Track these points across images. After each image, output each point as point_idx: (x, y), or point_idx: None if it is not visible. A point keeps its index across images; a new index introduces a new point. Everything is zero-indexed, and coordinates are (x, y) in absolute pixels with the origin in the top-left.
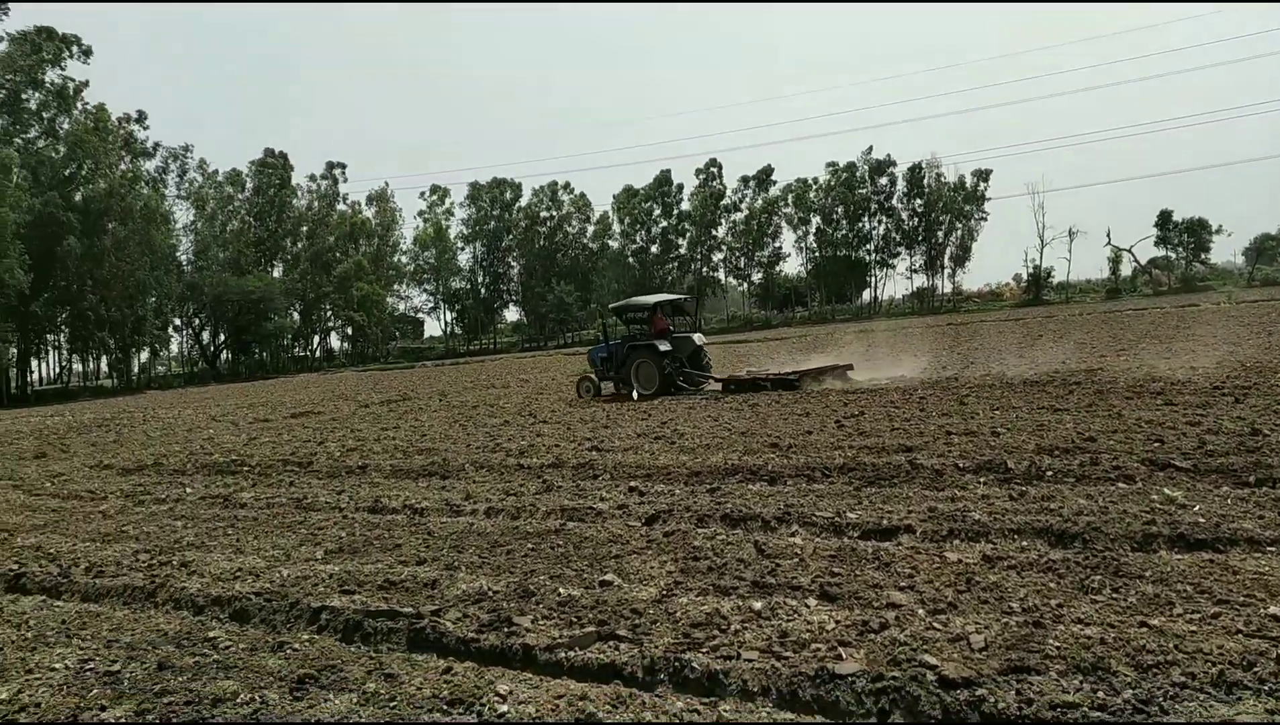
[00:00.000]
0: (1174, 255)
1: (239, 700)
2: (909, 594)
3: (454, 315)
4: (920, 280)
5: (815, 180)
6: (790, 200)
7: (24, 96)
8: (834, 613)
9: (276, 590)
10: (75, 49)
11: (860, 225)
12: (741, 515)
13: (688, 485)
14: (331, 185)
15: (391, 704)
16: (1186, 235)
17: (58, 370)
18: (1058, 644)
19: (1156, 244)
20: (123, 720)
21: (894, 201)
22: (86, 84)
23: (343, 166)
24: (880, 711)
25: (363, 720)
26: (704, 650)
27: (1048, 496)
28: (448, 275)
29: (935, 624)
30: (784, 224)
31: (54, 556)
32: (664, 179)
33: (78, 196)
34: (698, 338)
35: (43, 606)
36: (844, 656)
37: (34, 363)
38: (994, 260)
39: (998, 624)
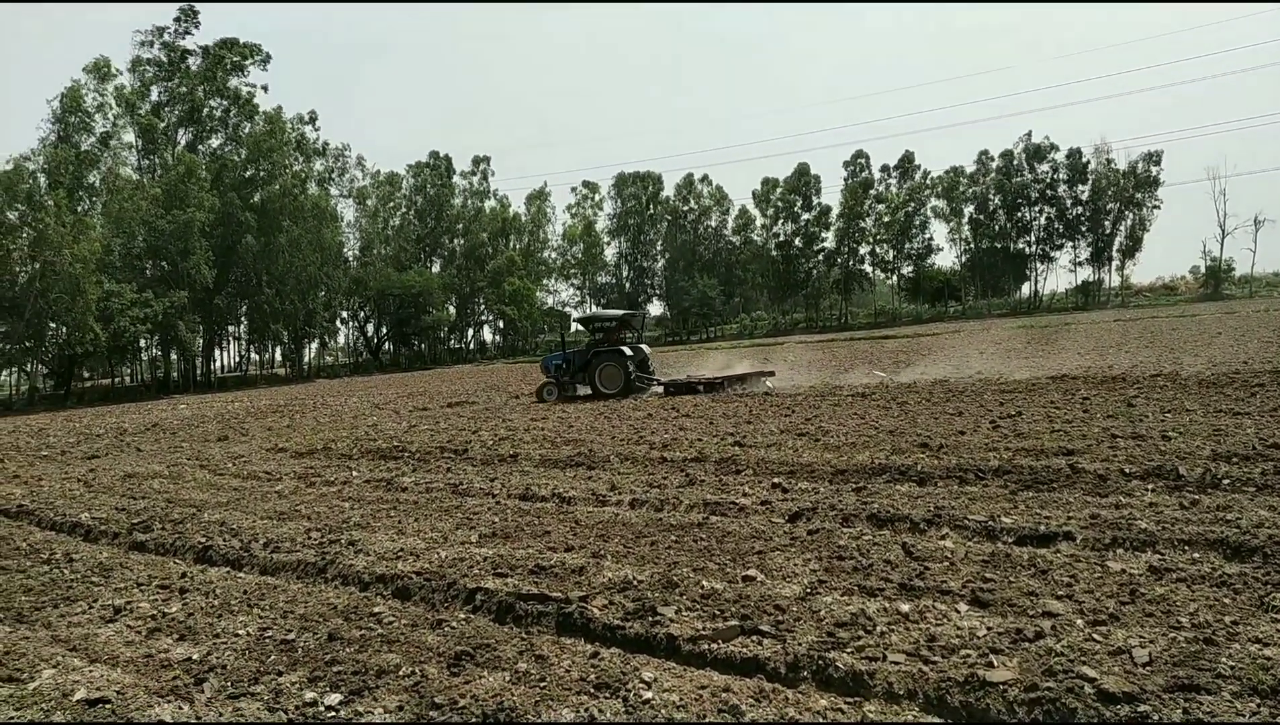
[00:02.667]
0: None
1: (401, 673)
2: (1067, 603)
3: (600, 309)
4: (1085, 273)
5: (962, 170)
6: (940, 190)
7: (211, 105)
8: (986, 619)
9: (435, 570)
10: (256, 57)
11: (1020, 215)
12: (889, 516)
13: (832, 483)
14: (480, 180)
15: (542, 684)
16: None
17: (237, 359)
18: (1232, 663)
19: None
20: (297, 685)
21: (1057, 189)
22: (266, 89)
23: (488, 160)
24: (1034, 722)
25: (516, 698)
26: (848, 650)
27: (1223, 506)
28: (594, 270)
29: (1095, 635)
30: (931, 215)
31: (236, 532)
32: (803, 170)
33: (255, 197)
34: (645, 348)
35: (227, 577)
36: (995, 664)
37: (216, 352)
38: (1167, 252)
39: (1164, 639)
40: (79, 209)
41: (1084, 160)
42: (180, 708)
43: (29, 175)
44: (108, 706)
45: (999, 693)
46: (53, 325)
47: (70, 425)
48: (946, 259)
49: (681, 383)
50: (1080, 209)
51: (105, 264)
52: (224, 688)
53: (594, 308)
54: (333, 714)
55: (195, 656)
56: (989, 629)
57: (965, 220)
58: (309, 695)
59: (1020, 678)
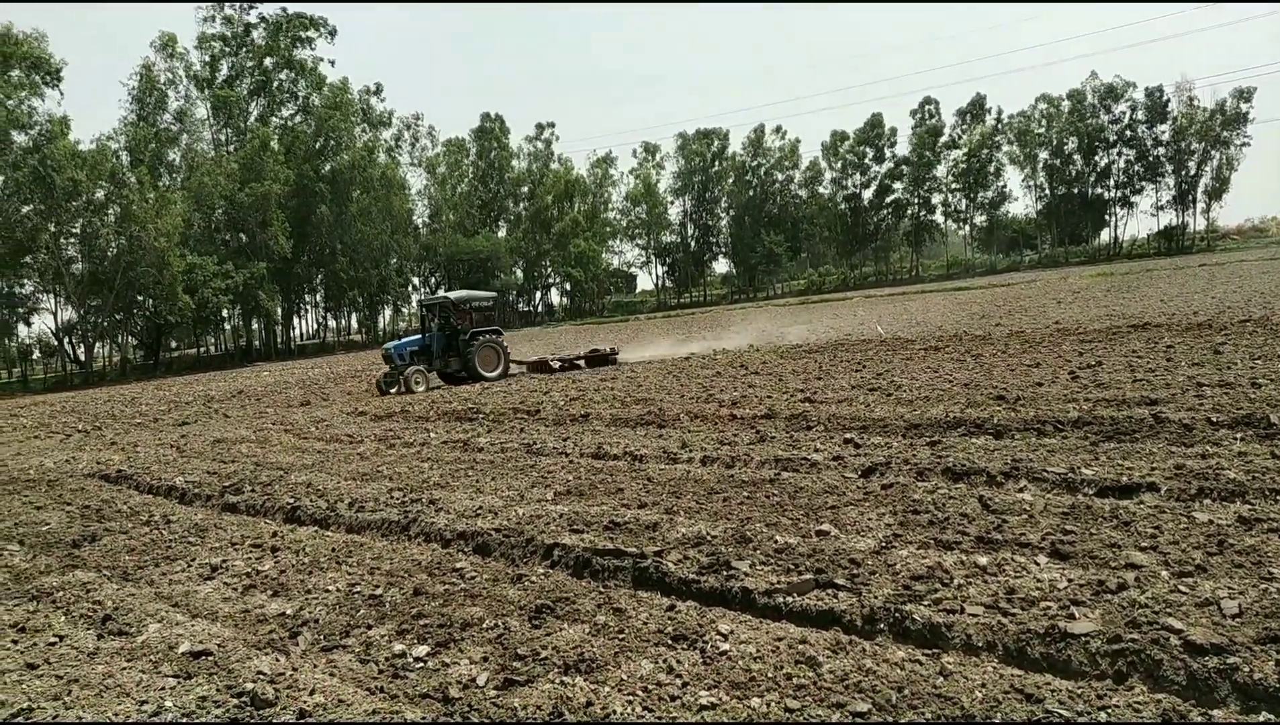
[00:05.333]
0: None
1: (484, 625)
2: (1151, 555)
3: (664, 268)
4: (1168, 217)
5: (1037, 110)
6: (1012, 135)
7: (281, 77)
8: (1066, 571)
9: (513, 528)
10: (323, 29)
11: (1097, 157)
12: (964, 469)
13: (906, 438)
14: (544, 146)
15: (620, 636)
16: None
17: (315, 326)
18: None
19: None
20: (385, 637)
21: (1136, 130)
22: (333, 62)
23: (552, 125)
24: (1117, 673)
25: (596, 649)
26: (925, 603)
27: None
28: (658, 229)
29: (1181, 587)
30: (1006, 161)
31: (322, 492)
32: (875, 121)
33: (326, 168)
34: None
35: (315, 536)
36: (1077, 616)
37: (295, 320)
38: (1258, 192)
39: (1255, 590)
40: (160, 184)
41: (1164, 99)
42: (277, 660)
43: (112, 154)
44: (210, 658)
45: (1081, 644)
46: (140, 298)
47: (160, 393)
48: (1020, 207)
49: (547, 361)
50: (1162, 150)
51: (186, 237)
52: (317, 641)
53: (660, 268)
54: (421, 665)
55: (289, 611)
56: (1070, 581)
57: (1040, 165)
58: (398, 647)
59: (1103, 629)
